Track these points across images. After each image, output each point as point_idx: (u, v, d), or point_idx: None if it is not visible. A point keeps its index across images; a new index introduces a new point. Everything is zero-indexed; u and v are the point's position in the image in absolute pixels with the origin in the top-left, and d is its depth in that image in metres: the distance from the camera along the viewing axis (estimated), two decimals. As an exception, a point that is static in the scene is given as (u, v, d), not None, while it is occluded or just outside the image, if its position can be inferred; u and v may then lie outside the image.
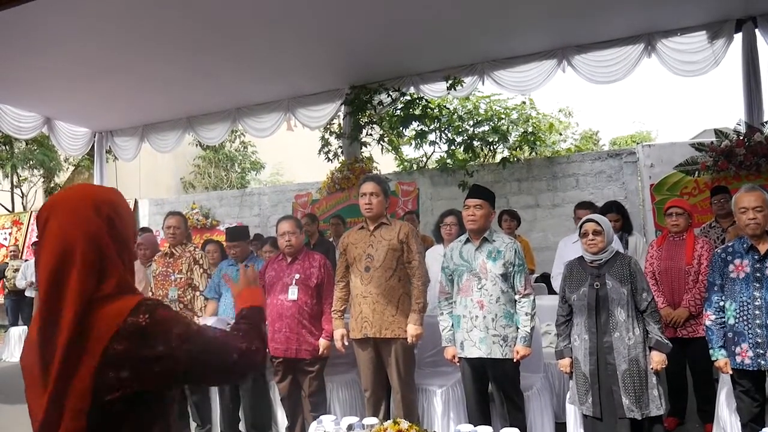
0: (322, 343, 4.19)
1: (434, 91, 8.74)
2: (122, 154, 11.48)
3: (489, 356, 3.63)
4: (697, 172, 7.13)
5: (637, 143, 13.27)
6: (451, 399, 4.28)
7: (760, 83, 7.09)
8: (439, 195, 9.42)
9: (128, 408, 1.31)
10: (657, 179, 7.40)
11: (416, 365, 4.20)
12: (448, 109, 10.61)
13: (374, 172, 8.88)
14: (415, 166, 12.88)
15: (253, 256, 4.95)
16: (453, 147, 9.88)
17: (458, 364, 3.85)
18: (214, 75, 8.33)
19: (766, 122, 6.87)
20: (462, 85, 8.29)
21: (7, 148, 15.38)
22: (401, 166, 13.43)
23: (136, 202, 12.14)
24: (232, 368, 1.45)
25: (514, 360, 3.64)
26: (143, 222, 11.98)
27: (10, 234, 12.89)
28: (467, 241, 3.86)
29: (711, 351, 3.46)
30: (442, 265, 3.98)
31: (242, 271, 1.82)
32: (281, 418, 4.69)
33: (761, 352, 3.18)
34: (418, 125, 9.29)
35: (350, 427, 2.81)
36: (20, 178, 16.43)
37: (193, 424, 4.85)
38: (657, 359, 3.36)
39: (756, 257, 3.28)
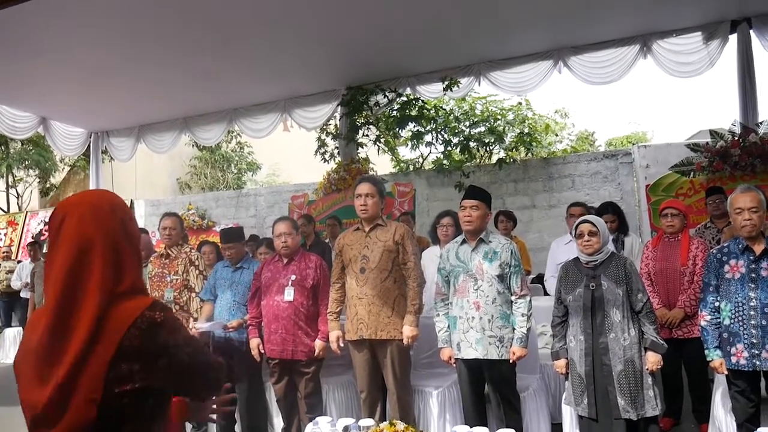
0: (318, 344, 4.18)
1: (430, 92, 8.75)
2: (118, 154, 11.45)
3: (485, 357, 3.63)
4: (692, 173, 7.15)
5: (633, 144, 13.31)
6: (447, 400, 4.28)
7: (755, 84, 7.11)
8: (435, 196, 9.43)
9: (134, 403, 1.35)
10: (652, 180, 7.42)
11: (412, 366, 4.19)
12: (445, 110, 10.62)
13: (370, 173, 8.88)
14: (411, 167, 12.88)
15: (249, 258, 4.94)
16: (449, 148, 9.88)
17: (454, 365, 3.85)
18: (211, 76, 8.32)
19: (760, 123, 6.89)
20: (458, 86, 8.29)
21: (3, 148, 15.34)
22: (397, 167, 13.43)
23: (132, 202, 12.11)
24: (216, 383, 1.59)
25: (511, 361, 3.64)
26: (140, 223, 11.94)
27: (5, 235, 12.84)
28: (463, 242, 3.87)
29: (706, 351, 3.46)
30: (438, 266, 3.98)
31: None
32: (277, 420, 4.68)
33: (756, 352, 3.19)
34: (414, 126, 9.28)
35: (346, 428, 2.81)
36: (15, 179, 16.40)
37: (188, 426, 4.83)
38: (652, 360, 3.37)
39: (751, 258, 3.29)
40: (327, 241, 7.43)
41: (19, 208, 16.05)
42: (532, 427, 4.08)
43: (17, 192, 16.62)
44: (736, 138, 6.79)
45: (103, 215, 1.45)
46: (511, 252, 3.73)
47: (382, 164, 11.62)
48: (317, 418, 2.97)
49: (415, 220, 8.22)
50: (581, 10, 6.73)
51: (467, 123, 10.70)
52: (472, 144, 9.93)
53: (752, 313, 3.22)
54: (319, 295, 4.27)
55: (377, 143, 9.44)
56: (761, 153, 6.64)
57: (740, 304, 3.27)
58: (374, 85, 8.66)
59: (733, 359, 3.29)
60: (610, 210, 5.17)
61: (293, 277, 4.24)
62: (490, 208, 3.88)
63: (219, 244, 5.42)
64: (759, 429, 2.75)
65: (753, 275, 3.25)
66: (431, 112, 9.61)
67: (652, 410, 3.35)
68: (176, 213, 5.30)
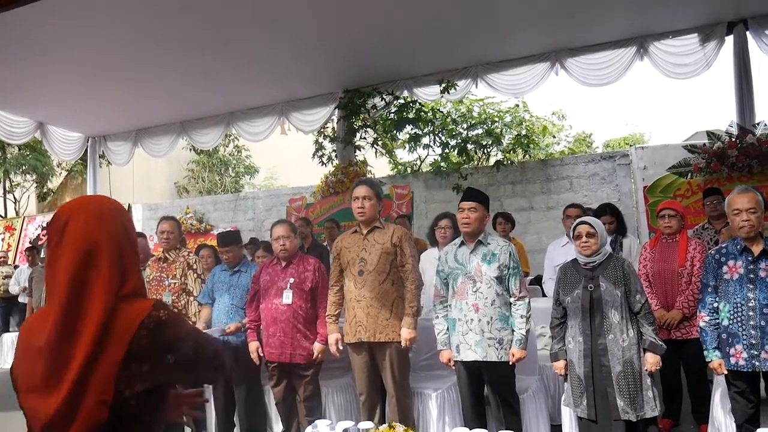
0: (317, 347, 4.18)
1: (428, 94, 8.76)
2: (115, 158, 11.45)
3: (485, 359, 3.63)
4: (689, 174, 7.16)
5: (630, 145, 13.33)
6: (446, 402, 4.28)
7: (752, 85, 7.13)
8: (433, 198, 9.43)
9: (141, 402, 1.36)
10: (650, 181, 7.43)
11: (411, 369, 4.19)
12: (442, 112, 10.62)
13: (368, 175, 8.88)
14: (409, 170, 12.90)
15: (246, 261, 4.93)
16: (447, 150, 9.90)
17: (454, 367, 3.85)
18: (208, 79, 8.32)
19: (757, 124, 6.90)
20: (455, 89, 8.30)
21: (0, 153, 15.31)
22: (395, 170, 13.44)
23: (129, 206, 12.10)
24: (224, 371, 1.57)
25: (510, 363, 3.64)
26: (137, 227, 11.93)
27: (2, 240, 12.83)
28: (462, 244, 3.86)
29: (705, 352, 3.46)
30: (437, 268, 3.98)
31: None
32: (276, 423, 4.67)
33: (755, 353, 3.19)
34: (411, 129, 9.29)
35: (346, 431, 2.80)
36: (13, 184, 16.39)
37: (187, 430, 4.82)
38: (651, 361, 3.37)
39: (749, 258, 3.29)
40: (325, 243, 7.43)
41: (17, 213, 16.04)
42: (531, 429, 4.07)
43: (14, 197, 16.61)
44: (733, 139, 6.80)
45: (107, 218, 1.47)
46: (510, 254, 3.73)
47: (379, 167, 11.62)
48: (316, 422, 2.96)
49: (412, 222, 8.23)
50: (578, 12, 6.74)
51: (465, 125, 10.72)
52: (469, 146, 9.95)
53: (751, 313, 3.21)
54: (317, 298, 4.27)
55: (375, 146, 9.45)
56: (758, 154, 6.65)
57: (739, 305, 3.27)
58: (371, 88, 8.67)
59: (732, 360, 3.28)
60: (608, 211, 5.17)
61: (292, 280, 4.23)
62: (488, 210, 3.88)
63: (217, 248, 5.41)
64: (758, 430, 2.75)
65: (751, 276, 3.25)
66: (428, 114, 9.62)
67: (651, 411, 3.35)
68: (174, 217, 5.29)
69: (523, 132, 11.21)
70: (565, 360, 3.58)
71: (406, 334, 3.85)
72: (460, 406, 4.03)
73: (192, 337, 1.47)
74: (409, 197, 9.15)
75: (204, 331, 4.49)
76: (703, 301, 3.50)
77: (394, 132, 9.72)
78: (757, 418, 3.34)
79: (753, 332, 3.20)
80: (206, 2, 6.01)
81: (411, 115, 8.95)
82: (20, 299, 9.57)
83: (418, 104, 9.00)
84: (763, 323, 3.17)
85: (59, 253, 1.40)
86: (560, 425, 4.07)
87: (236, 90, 8.97)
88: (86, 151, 11.46)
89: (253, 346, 4.33)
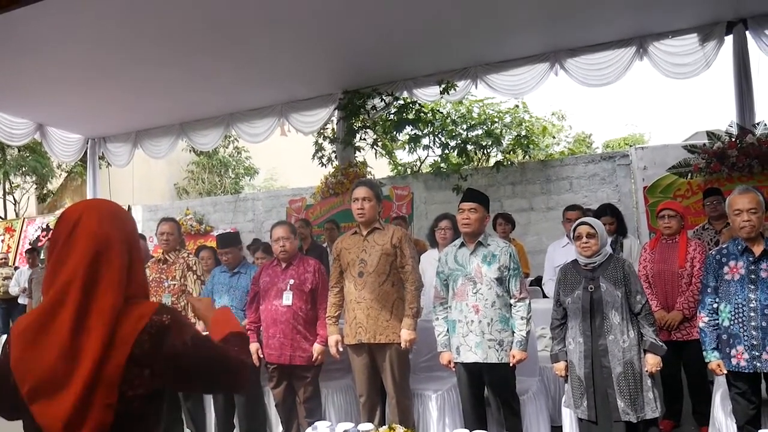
0: (317, 348, 4.17)
1: (427, 95, 8.75)
2: (115, 160, 11.44)
3: (485, 361, 3.62)
4: (689, 174, 7.15)
5: (630, 146, 13.33)
6: (446, 404, 4.27)
7: (751, 85, 7.12)
8: (433, 199, 9.42)
9: (144, 406, 1.37)
10: (650, 181, 7.43)
11: (411, 370, 4.18)
12: (442, 113, 10.62)
13: (368, 176, 8.87)
14: (408, 171, 12.89)
15: (246, 262, 4.93)
16: (447, 151, 9.89)
17: (454, 369, 3.84)
18: (208, 80, 8.31)
19: (757, 124, 6.89)
20: (455, 89, 8.29)
21: (0, 154, 15.31)
22: (395, 171, 13.44)
23: (129, 208, 12.08)
24: (234, 377, 1.53)
25: (511, 364, 3.63)
26: (137, 228, 11.90)
27: (2, 241, 12.82)
28: (462, 245, 3.85)
29: (704, 353, 3.46)
30: (436, 269, 3.97)
31: (194, 304, 1.86)
32: (276, 425, 4.66)
33: (757, 354, 3.18)
34: (411, 129, 9.29)
35: (345, 433, 2.79)
36: (12, 185, 16.38)
37: (187, 431, 4.82)
38: (652, 362, 3.36)
39: (750, 259, 3.28)
40: (325, 245, 7.42)
41: (17, 214, 16.03)
42: (531, 430, 4.06)
43: (14, 198, 16.60)
44: (733, 139, 6.79)
45: (118, 218, 1.50)
46: (510, 255, 3.72)
47: (379, 168, 11.61)
48: (316, 423, 2.94)
49: (408, 222, 8.24)
50: (577, 12, 6.74)
51: (464, 126, 10.71)
52: (469, 147, 9.94)
53: (752, 314, 3.21)
54: (317, 299, 4.26)
55: (374, 147, 9.45)
56: (758, 154, 6.64)
57: (740, 306, 3.26)
58: (371, 89, 8.66)
59: (734, 361, 3.27)
60: (608, 212, 5.16)
61: (292, 281, 4.23)
62: (488, 211, 3.88)
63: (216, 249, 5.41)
64: (760, 431, 2.74)
65: (752, 276, 3.24)
66: (428, 115, 9.61)
67: (651, 412, 3.34)
68: (174, 218, 5.29)
69: (523, 132, 11.20)
70: (566, 361, 3.57)
71: (406, 335, 3.84)
72: (461, 408, 4.02)
73: (198, 343, 1.45)
74: (408, 198, 9.15)
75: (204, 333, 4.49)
76: (703, 302, 3.49)
77: (394, 133, 9.70)
78: (758, 419, 3.33)
79: (754, 333, 3.19)
80: (206, 3, 6.00)
81: (411, 116, 8.94)
82: (20, 300, 9.57)
83: (417, 105, 9.00)
84: (764, 324, 3.16)
85: (69, 249, 1.40)
86: (561, 426, 4.07)
87: (236, 91, 8.96)
88: (86, 152, 11.45)
89: (252, 347, 4.32)
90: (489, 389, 3.80)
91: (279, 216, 10.15)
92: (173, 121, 10.37)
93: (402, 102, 8.93)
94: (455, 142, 9.93)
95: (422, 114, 9.16)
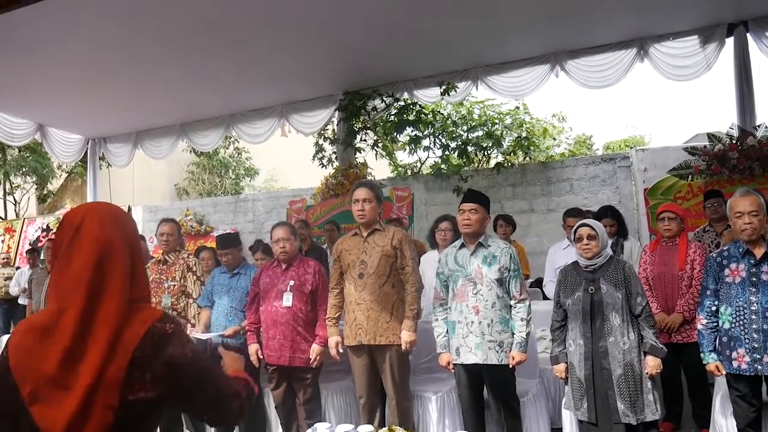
0: (315, 349, 4.15)
1: (428, 96, 8.75)
2: (115, 160, 11.45)
3: (485, 362, 3.61)
4: (690, 176, 7.14)
5: (631, 147, 13.31)
6: (446, 405, 4.27)
7: (752, 87, 7.12)
8: (433, 200, 9.41)
9: (144, 412, 1.37)
10: (651, 183, 7.42)
11: (411, 371, 4.17)
12: (442, 114, 10.62)
13: (368, 177, 8.87)
14: (409, 172, 12.88)
15: (246, 264, 4.92)
16: (447, 152, 9.89)
17: (453, 370, 3.84)
18: (208, 81, 8.32)
19: (758, 126, 6.88)
20: (456, 91, 8.29)
21: (0, 155, 15.31)
22: (395, 172, 13.43)
23: (129, 208, 12.08)
24: (226, 403, 1.51)
25: (510, 366, 3.62)
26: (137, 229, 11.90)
27: (2, 241, 12.82)
28: (462, 246, 3.85)
29: (702, 355, 3.46)
30: (437, 270, 3.97)
31: (228, 358, 1.84)
32: (276, 426, 4.66)
33: (758, 357, 3.17)
34: (412, 131, 9.29)
35: (345, 434, 2.78)
36: (13, 185, 16.38)
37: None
38: (652, 364, 3.36)
39: (752, 262, 3.27)
40: (325, 246, 7.41)
41: (17, 215, 16.02)
42: (531, 432, 4.06)
43: (14, 199, 16.60)
44: (734, 141, 6.78)
45: (121, 221, 1.50)
46: (511, 256, 3.72)
47: (380, 169, 11.61)
48: (316, 425, 2.95)
49: (404, 223, 8.22)
50: (578, 14, 6.74)
51: (465, 127, 10.70)
52: (469, 148, 9.94)
53: (753, 317, 3.20)
54: (317, 300, 4.25)
55: (375, 148, 9.44)
56: (759, 156, 6.63)
57: (741, 308, 3.26)
58: (371, 90, 8.66)
59: (735, 364, 3.27)
60: (609, 214, 5.15)
61: (292, 282, 4.22)
62: (488, 212, 3.87)
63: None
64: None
65: (754, 279, 3.24)
66: (429, 116, 9.61)
67: (652, 415, 3.34)
68: (174, 219, 5.29)
69: (524, 134, 11.20)
70: (566, 363, 3.56)
71: (406, 336, 3.84)
72: (461, 410, 4.02)
73: (198, 361, 1.45)
74: (409, 199, 9.15)
75: (203, 336, 4.49)
76: (702, 304, 3.49)
77: (395, 134, 9.70)
78: (759, 422, 3.33)
79: (755, 336, 3.18)
80: (206, 4, 6.01)
81: (411, 117, 8.94)
82: (20, 301, 9.56)
83: (418, 106, 9.00)
84: (765, 327, 3.16)
85: (73, 252, 1.40)
86: (561, 428, 4.06)
87: (236, 92, 8.97)
88: (86, 153, 11.47)
89: (252, 348, 4.31)
90: (489, 391, 3.80)
91: (279, 217, 10.14)
92: (174, 121, 10.38)
93: (402, 103, 8.93)
94: (456, 143, 9.93)
95: (423, 115, 9.15)
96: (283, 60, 7.68)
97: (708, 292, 3.45)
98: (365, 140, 9.24)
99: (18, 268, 10.41)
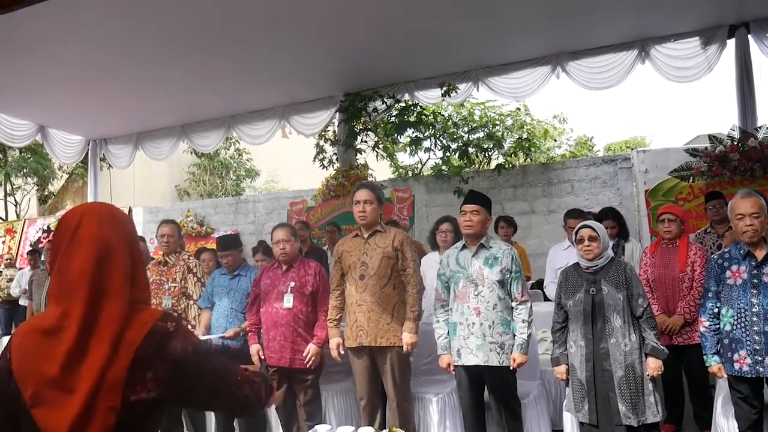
0: (312, 349, 4.12)
1: (429, 97, 8.74)
2: (116, 161, 11.44)
3: (486, 364, 3.61)
4: (691, 178, 7.13)
5: (632, 149, 13.30)
6: (447, 407, 4.26)
7: (754, 88, 7.10)
8: (434, 202, 9.41)
9: (147, 412, 1.36)
10: (652, 185, 7.41)
11: (412, 373, 4.17)
12: (443, 115, 10.60)
13: (369, 179, 8.87)
14: (410, 173, 12.87)
15: (246, 265, 4.92)
16: (448, 153, 9.88)
17: (453, 372, 3.83)
18: (208, 82, 8.32)
19: (759, 127, 6.88)
20: (456, 92, 8.28)
21: (1, 156, 15.32)
22: (396, 173, 13.42)
23: (130, 209, 12.09)
24: (236, 392, 1.50)
25: (511, 368, 3.61)
26: (138, 230, 11.88)
27: (3, 242, 12.82)
28: (464, 247, 3.85)
29: (705, 357, 3.46)
30: (438, 271, 3.96)
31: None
32: (276, 428, 4.65)
33: (759, 359, 3.17)
34: (412, 132, 9.28)
35: (345, 436, 2.78)
36: (14, 186, 16.37)
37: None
38: (653, 366, 3.35)
39: (753, 263, 3.27)
40: (326, 247, 7.41)
41: (18, 216, 16.02)
42: (532, 434, 4.05)
43: (15, 200, 16.60)
44: (735, 143, 6.78)
45: (119, 222, 1.48)
46: (512, 258, 3.71)
47: (380, 170, 11.60)
48: (316, 426, 2.94)
49: (412, 227, 8.20)
50: (579, 16, 6.73)
51: (466, 129, 10.69)
52: (470, 150, 9.93)
53: (755, 319, 3.20)
54: (318, 301, 4.25)
55: (376, 149, 9.44)
56: (761, 157, 6.63)
57: (743, 311, 3.25)
58: (372, 91, 8.66)
59: (736, 366, 3.26)
60: (610, 216, 5.14)
61: (292, 284, 4.22)
62: (490, 214, 3.87)
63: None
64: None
65: (755, 281, 3.23)
66: (429, 117, 9.60)
67: (653, 416, 3.33)
68: (174, 220, 5.29)
69: (525, 135, 11.17)
70: (567, 364, 3.56)
71: (407, 338, 3.83)
72: (461, 411, 4.01)
73: (201, 357, 1.44)
74: (410, 201, 9.14)
75: (204, 336, 4.49)
76: (704, 306, 3.49)
77: (395, 135, 9.70)
78: (760, 423, 3.32)
79: (757, 338, 3.18)
80: (206, 5, 6.00)
81: (412, 119, 8.93)
82: (21, 302, 9.56)
83: (419, 107, 8.99)
84: (767, 329, 3.15)
85: (71, 254, 1.39)
86: (562, 430, 4.05)
87: (237, 93, 8.97)
88: (87, 154, 11.46)
89: (254, 348, 4.31)
90: (490, 392, 3.79)
91: (280, 218, 10.14)
92: (174, 122, 10.38)
93: (403, 104, 8.92)
94: (456, 144, 9.92)
95: (423, 116, 9.15)
96: (283, 61, 7.68)
97: (710, 294, 3.45)
98: (366, 141, 9.23)
99: (21, 269, 10.41)
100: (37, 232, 12.36)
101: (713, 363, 3.39)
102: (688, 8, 6.63)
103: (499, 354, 3.60)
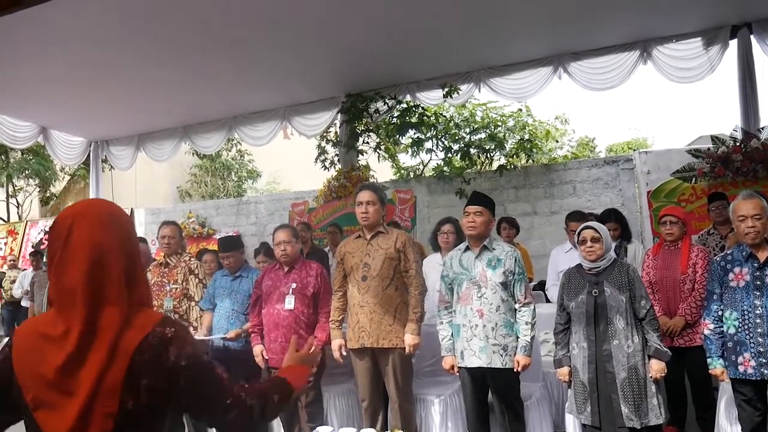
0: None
1: (430, 98, 8.73)
2: (118, 163, 11.45)
3: (489, 366, 3.60)
4: (694, 179, 7.12)
5: (634, 150, 13.28)
6: (449, 408, 4.25)
7: (756, 89, 7.09)
8: (436, 203, 9.40)
9: (142, 418, 1.34)
10: (654, 186, 7.40)
11: (414, 375, 4.16)
12: (445, 116, 10.60)
13: (371, 180, 8.86)
14: (411, 174, 12.85)
15: (248, 266, 4.91)
16: (450, 154, 9.87)
17: (457, 374, 3.82)
18: (210, 84, 8.32)
19: (762, 128, 6.87)
20: (458, 93, 8.28)
21: (3, 157, 15.35)
22: (398, 174, 13.41)
23: (132, 211, 12.10)
24: (222, 410, 1.44)
25: (516, 371, 3.60)
26: (140, 231, 11.93)
27: (5, 244, 12.84)
28: (467, 248, 3.84)
29: (709, 360, 3.43)
30: (441, 273, 3.96)
31: (305, 347, 1.85)
32: (278, 429, 4.64)
33: (764, 361, 3.15)
34: (414, 133, 9.27)
35: (347, 438, 2.77)
36: (16, 188, 16.39)
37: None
38: (656, 367, 3.34)
39: (756, 265, 3.25)
40: (327, 249, 7.40)
41: (20, 217, 16.04)
42: (535, 436, 4.04)
43: (17, 201, 16.62)
44: (738, 143, 6.77)
45: (112, 223, 1.43)
46: (515, 259, 3.71)
47: (382, 171, 11.60)
48: (318, 428, 2.93)
49: (408, 225, 8.18)
50: (581, 16, 6.72)
51: (467, 130, 10.69)
52: (472, 151, 9.92)
53: (759, 321, 3.18)
54: (319, 303, 4.24)
55: (377, 150, 9.43)
56: (763, 158, 6.62)
57: (746, 313, 3.23)
58: (374, 93, 8.65)
59: (740, 368, 3.25)
60: (612, 217, 5.13)
61: (294, 285, 4.21)
62: (493, 215, 3.86)
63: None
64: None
65: (758, 283, 3.21)
66: (431, 118, 9.60)
67: (656, 419, 3.32)
68: (175, 221, 5.29)
69: (526, 136, 11.16)
70: (569, 366, 3.55)
71: (410, 340, 3.83)
72: (463, 413, 4.00)
73: (198, 365, 1.41)
74: (411, 202, 9.13)
75: (205, 337, 4.48)
76: (709, 309, 3.46)
77: (397, 136, 9.69)
78: (764, 426, 3.30)
79: (761, 340, 3.16)
80: (208, 6, 6.00)
81: (414, 120, 8.92)
82: (23, 303, 9.57)
83: (420, 108, 8.98)
84: (771, 331, 3.14)
85: (65, 260, 1.36)
86: (564, 432, 4.04)
87: (239, 94, 8.97)
88: (89, 155, 11.47)
89: (257, 349, 4.30)
90: (493, 394, 3.78)
91: (282, 219, 10.14)
92: (176, 124, 10.38)
93: (405, 105, 8.91)
94: (458, 145, 9.91)
95: (425, 117, 9.14)
96: (285, 62, 7.68)
97: (714, 297, 3.43)
98: (368, 142, 9.23)
99: (23, 270, 10.43)
100: (39, 233, 12.37)
101: (718, 366, 3.37)
102: (690, 9, 6.62)
103: (502, 356, 3.59)
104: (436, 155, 10.19)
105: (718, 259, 3.49)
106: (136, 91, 8.47)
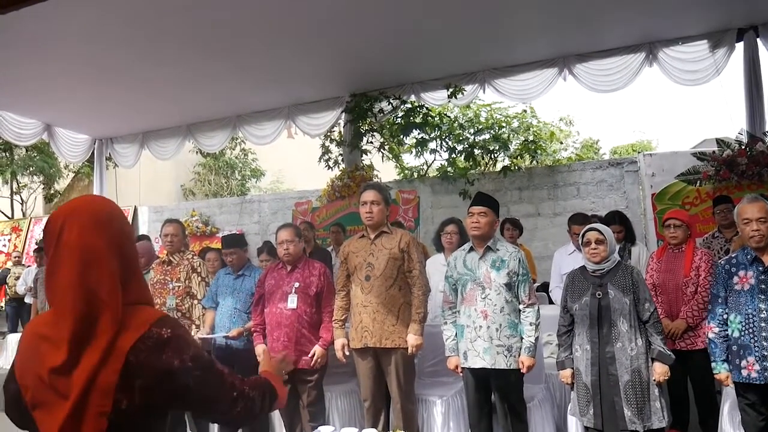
0: (317, 350, 4.12)
1: (435, 99, 8.74)
2: (122, 161, 11.48)
3: (493, 367, 3.59)
4: (698, 182, 7.11)
5: (638, 152, 13.25)
6: (451, 409, 4.24)
7: (762, 92, 7.08)
8: (439, 203, 9.39)
9: (138, 419, 1.32)
10: (658, 188, 7.38)
11: (416, 375, 4.16)
12: (449, 117, 10.59)
13: (375, 180, 8.86)
14: (415, 174, 12.84)
15: (251, 265, 4.91)
16: (454, 155, 9.86)
17: (461, 374, 3.81)
18: (215, 82, 8.33)
19: (767, 131, 6.85)
20: (463, 93, 8.28)
21: (7, 154, 15.37)
22: (402, 174, 13.40)
23: (135, 209, 12.12)
24: (230, 405, 1.46)
25: (521, 371, 3.60)
26: (143, 229, 11.95)
27: (9, 241, 12.88)
28: (471, 249, 3.83)
29: (713, 364, 3.41)
30: (445, 274, 3.95)
31: (275, 360, 1.87)
32: (279, 429, 4.64)
33: (768, 365, 3.14)
34: (418, 133, 9.28)
35: (349, 438, 2.77)
36: (20, 185, 16.41)
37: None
38: (660, 370, 3.33)
39: (760, 269, 3.24)
40: (331, 248, 7.40)
41: (24, 214, 16.07)
42: (537, 438, 4.03)
43: (21, 198, 16.64)
44: (743, 147, 6.75)
45: (102, 222, 1.39)
46: (519, 260, 3.70)
47: (386, 171, 11.60)
48: (320, 428, 2.93)
49: (412, 226, 8.17)
50: (587, 18, 6.71)
51: (472, 130, 10.67)
52: (476, 151, 9.90)
53: (763, 324, 3.16)
54: (322, 302, 4.24)
55: (381, 150, 9.44)
56: (768, 162, 6.60)
57: (750, 316, 3.22)
58: (378, 92, 8.66)
59: (744, 372, 3.23)
60: (617, 220, 5.10)
61: (297, 284, 4.21)
62: (497, 216, 3.86)
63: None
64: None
65: (763, 286, 3.20)
66: (435, 119, 9.59)
67: (658, 422, 3.30)
68: (178, 219, 5.29)
69: (531, 138, 11.15)
70: (572, 368, 3.54)
71: (413, 340, 3.82)
72: (465, 414, 4.00)
73: (199, 367, 1.39)
74: (415, 202, 9.13)
75: (208, 335, 4.48)
76: (713, 312, 3.44)
77: (401, 136, 9.70)
78: (767, 430, 3.28)
79: (765, 344, 3.14)
80: (213, 5, 6.01)
81: (418, 120, 8.93)
82: (26, 300, 9.60)
83: (425, 109, 8.98)
84: (775, 334, 3.12)
85: (57, 263, 1.35)
86: (566, 434, 4.03)
87: (243, 93, 8.98)
88: (93, 153, 11.49)
89: (259, 349, 4.30)
90: (496, 395, 3.77)
91: (285, 218, 10.14)
92: (180, 122, 10.40)
93: (409, 105, 8.91)
94: (462, 146, 9.89)
95: (429, 118, 9.14)
96: (289, 61, 7.69)
97: (719, 300, 3.41)
98: (372, 142, 9.23)
99: (27, 266, 10.45)
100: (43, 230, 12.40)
101: (722, 371, 3.35)
102: (696, 11, 6.61)
103: (506, 357, 3.59)
104: (440, 156, 10.18)
105: (722, 262, 3.48)
106: (140, 90, 8.49)
